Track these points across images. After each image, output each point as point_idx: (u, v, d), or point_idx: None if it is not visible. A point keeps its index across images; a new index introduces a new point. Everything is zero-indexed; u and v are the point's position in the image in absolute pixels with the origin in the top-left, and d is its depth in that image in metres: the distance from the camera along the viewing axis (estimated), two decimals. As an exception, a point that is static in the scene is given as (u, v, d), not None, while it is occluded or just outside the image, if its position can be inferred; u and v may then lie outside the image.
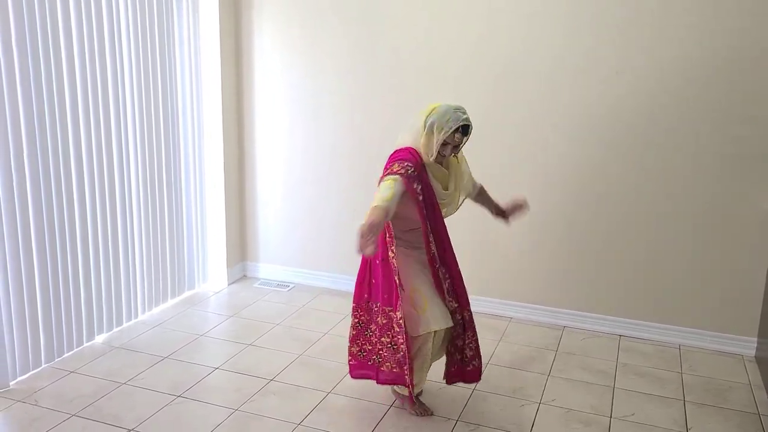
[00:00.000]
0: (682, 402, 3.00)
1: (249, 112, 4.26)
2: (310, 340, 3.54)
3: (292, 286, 4.35)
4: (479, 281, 3.92)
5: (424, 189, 2.51)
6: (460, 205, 2.80)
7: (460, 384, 3.08)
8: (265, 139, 4.26)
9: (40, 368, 3.11)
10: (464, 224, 3.64)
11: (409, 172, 2.47)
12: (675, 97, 3.36)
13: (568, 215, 3.67)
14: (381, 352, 2.67)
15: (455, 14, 3.65)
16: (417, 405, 2.81)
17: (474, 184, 2.91)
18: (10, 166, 2.85)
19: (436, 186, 2.58)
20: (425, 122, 2.50)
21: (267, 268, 4.47)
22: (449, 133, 2.46)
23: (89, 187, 3.27)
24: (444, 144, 2.50)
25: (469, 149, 3.73)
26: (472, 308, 3.91)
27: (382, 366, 2.68)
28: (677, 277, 3.54)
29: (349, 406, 2.90)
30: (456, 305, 2.75)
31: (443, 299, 2.71)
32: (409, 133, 2.59)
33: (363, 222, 2.26)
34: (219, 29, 3.98)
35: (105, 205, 3.39)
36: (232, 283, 4.39)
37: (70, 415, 2.74)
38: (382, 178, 2.53)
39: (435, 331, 2.65)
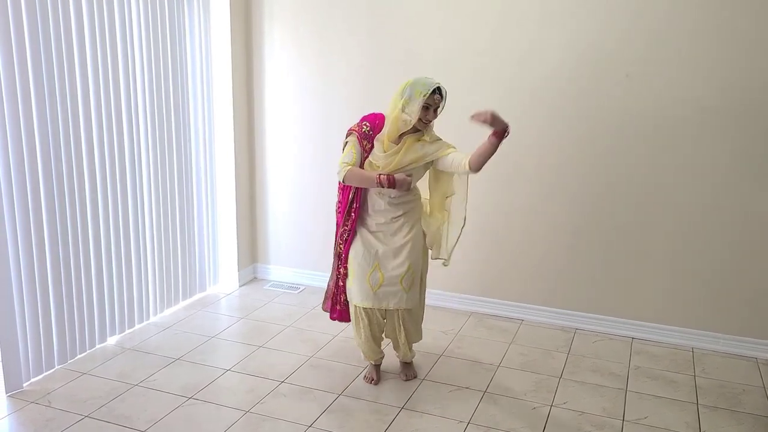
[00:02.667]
0: (696, 405, 2.98)
1: (259, 115, 4.27)
2: (320, 342, 3.54)
3: (302, 288, 4.36)
4: (490, 283, 3.91)
5: (366, 152, 2.84)
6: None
7: (471, 386, 3.09)
8: (275, 141, 4.28)
9: (53, 370, 3.14)
10: (473, 226, 3.64)
11: (364, 130, 2.83)
12: (689, 99, 3.34)
13: (579, 217, 3.66)
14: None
15: (466, 12, 3.65)
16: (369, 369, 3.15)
17: (455, 162, 2.79)
18: (24, 170, 2.87)
19: (378, 147, 2.83)
20: (403, 93, 2.72)
21: (277, 270, 4.48)
22: (428, 94, 2.68)
23: (101, 190, 3.30)
24: (425, 108, 2.71)
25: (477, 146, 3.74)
26: (483, 310, 3.97)
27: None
28: (690, 280, 3.51)
29: (360, 408, 2.90)
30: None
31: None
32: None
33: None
34: (230, 32, 4.00)
35: (117, 208, 3.41)
36: (243, 285, 4.40)
37: (82, 417, 2.76)
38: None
39: (358, 307, 2.97)
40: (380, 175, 2.74)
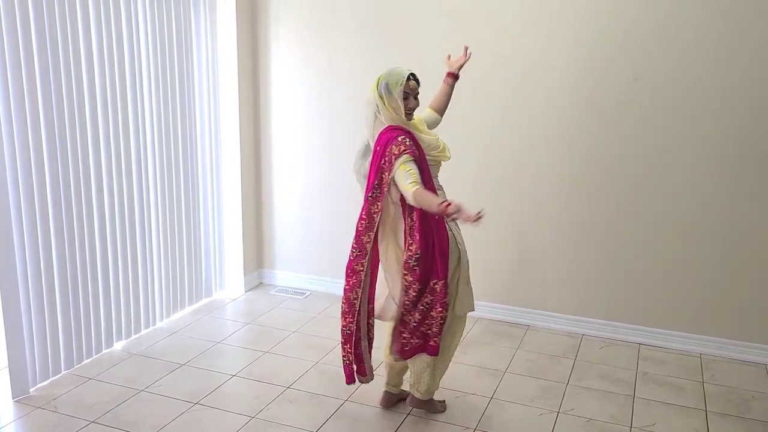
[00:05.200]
0: (704, 412, 2.96)
1: (265, 120, 4.28)
2: (326, 347, 3.54)
3: (308, 293, 4.35)
4: (495, 288, 3.90)
5: (420, 154, 2.58)
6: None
7: (478, 392, 3.07)
8: (281, 147, 4.28)
9: (60, 375, 3.14)
10: (480, 232, 3.62)
11: (407, 143, 2.50)
12: (696, 102, 3.32)
13: (586, 222, 3.64)
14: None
15: (471, 21, 3.65)
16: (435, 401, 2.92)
17: (436, 118, 2.93)
18: (31, 176, 2.88)
19: (427, 138, 2.64)
20: (378, 92, 2.58)
21: (283, 276, 4.48)
22: (404, 83, 2.56)
23: (108, 195, 3.31)
24: (405, 97, 2.58)
25: (484, 152, 3.75)
26: (489, 315, 3.96)
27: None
28: (698, 285, 3.49)
29: (366, 414, 2.89)
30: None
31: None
32: (369, 124, 2.65)
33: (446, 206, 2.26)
34: (236, 35, 4.02)
35: (123, 214, 3.42)
36: (249, 290, 4.40)
37: (88, 422, 2.76)
38: (386, 165, 2.51)
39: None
40: (448, 201, 2.29)
